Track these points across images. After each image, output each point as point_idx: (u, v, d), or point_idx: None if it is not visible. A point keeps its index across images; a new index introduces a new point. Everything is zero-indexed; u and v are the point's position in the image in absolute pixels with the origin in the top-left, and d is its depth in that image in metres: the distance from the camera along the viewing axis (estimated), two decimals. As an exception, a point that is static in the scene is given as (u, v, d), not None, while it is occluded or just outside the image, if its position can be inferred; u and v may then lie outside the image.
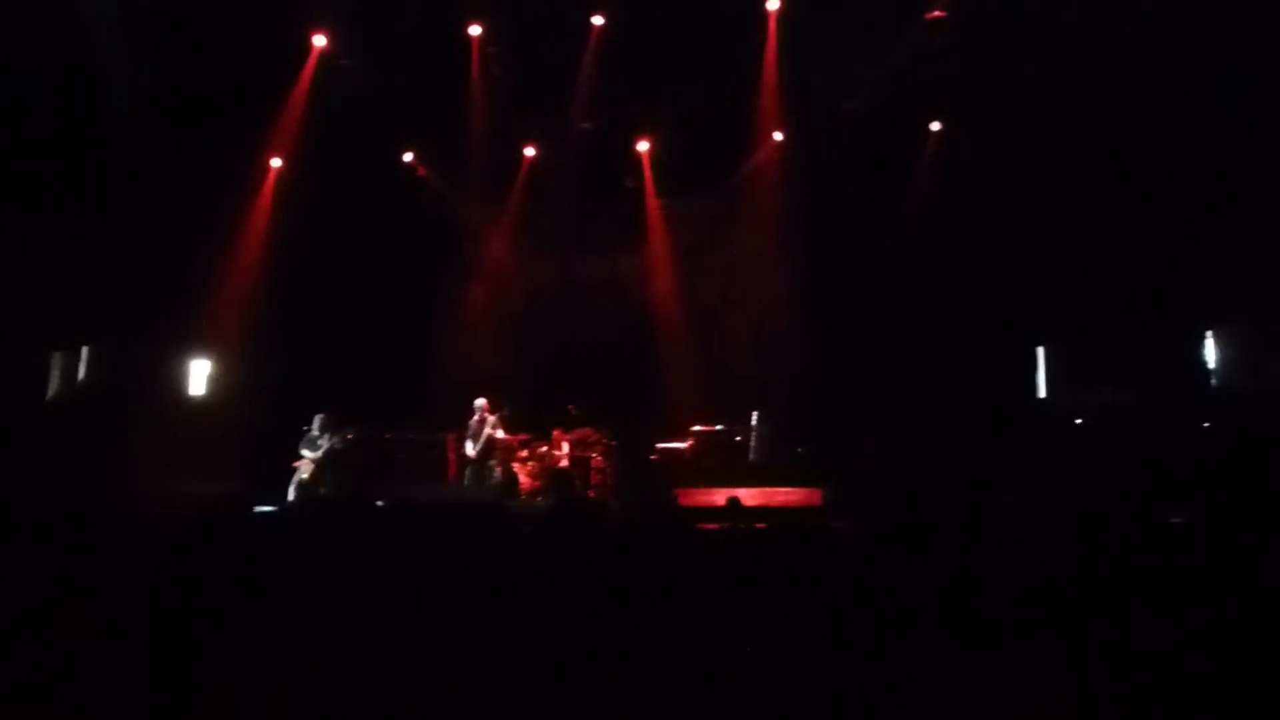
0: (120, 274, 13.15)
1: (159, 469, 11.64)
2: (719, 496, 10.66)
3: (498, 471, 13.63)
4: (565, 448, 13.90)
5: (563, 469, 13.43)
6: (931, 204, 14.16)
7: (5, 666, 3.50)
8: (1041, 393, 14.27)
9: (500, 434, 13.63)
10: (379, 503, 8.65)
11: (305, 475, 13.04)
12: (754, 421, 13.76)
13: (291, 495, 12.91)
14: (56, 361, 13.45)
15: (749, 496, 10.73)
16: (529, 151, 15.65)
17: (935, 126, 14.56)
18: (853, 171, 14.26)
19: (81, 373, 13.60)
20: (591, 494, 13.35)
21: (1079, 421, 12.94)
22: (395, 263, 15.03)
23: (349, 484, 13.00)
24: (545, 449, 13.98)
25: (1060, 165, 12.92)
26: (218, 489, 10.04)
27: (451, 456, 13.94)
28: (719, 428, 13.83)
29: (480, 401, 13.67)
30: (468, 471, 13.65)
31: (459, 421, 13.89)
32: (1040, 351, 14.35)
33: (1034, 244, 13.24)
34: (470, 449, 13.63)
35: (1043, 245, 13.20)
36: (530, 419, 14.04)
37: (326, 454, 13.10)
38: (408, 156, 15.46)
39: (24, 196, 12.08)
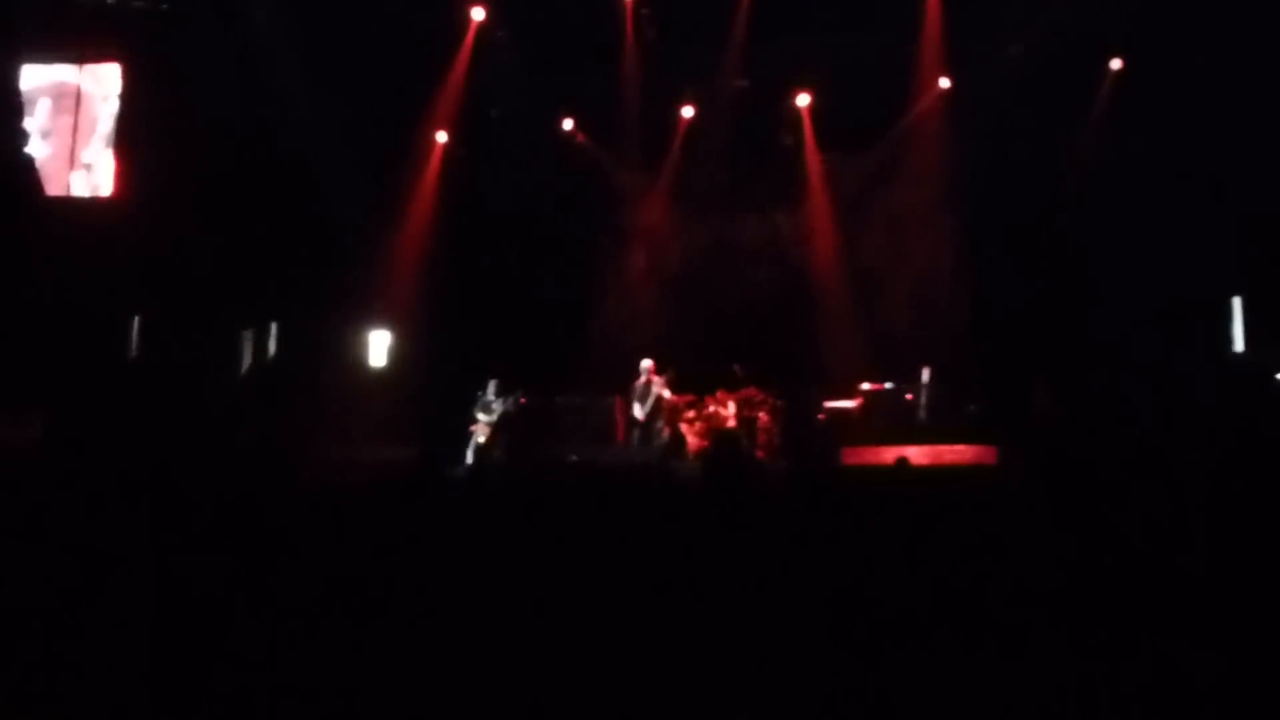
0: (303, 254, 13.82)
1: (345, 438, 12.15)
2: (888, 455, 10.59)
3: (665, 432, 13.71)
4: (731, 408, 13.95)
5: (729, 429, 13.30)
6: (1109, 150, 13.63)
7: (206, 637, 3.53)
8: (1238, 346, 13.58)
9: (667, 395, 13.70)
10: (551, 465, 9.13)
11: (481, 439, 13.37)
12: (924, 379, 13.57)
13: (469, 459, 13.25)
14: (247, 340, 14.18)
15: (919, 455, 10.64)
16: (686, 112, 15.61)
17: (1115, 65, 13.98)
18: (1022, 119, 13.89)
19: (271, 349, 14.29)
20: (760, 454, 13.39)
21: (1280, 377, 12.31)
22: (557, 230, 15.46)
23: (521, 447, 13.28)
24: (712, 409, 14.06)
25: (1254, 101, 12.26)
26: (402, 455, 9.80)
27: (619, 418, 14.08)
28: (888, 386, 13.69)
29: (646, 363, 13.76)
30: (635, 433, 13.78)
31: (626, 384, 14.03)
32: (1236, 302, 13.62)
33: (1226, 189, 12.60)
34: (638, 411, 13.71)
35: (1236, 190, 12.56)
36: (696, 380, 14.11)
37: (500, 418, 13.40)
38: (567, 124, 15.68)
39: (213, 187, 12.84)
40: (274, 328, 14.36)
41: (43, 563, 3.74)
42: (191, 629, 3.56)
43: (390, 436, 12.34)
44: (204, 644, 3.51)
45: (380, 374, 15.17)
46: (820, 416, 13.77)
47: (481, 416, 13.53)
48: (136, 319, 13.26)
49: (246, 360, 14.11)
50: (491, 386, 13.63)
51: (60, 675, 3.27)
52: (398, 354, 15.37)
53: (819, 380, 14.11)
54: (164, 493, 4.63)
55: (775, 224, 15.80)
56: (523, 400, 13.62)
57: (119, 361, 12.61)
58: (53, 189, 13.65)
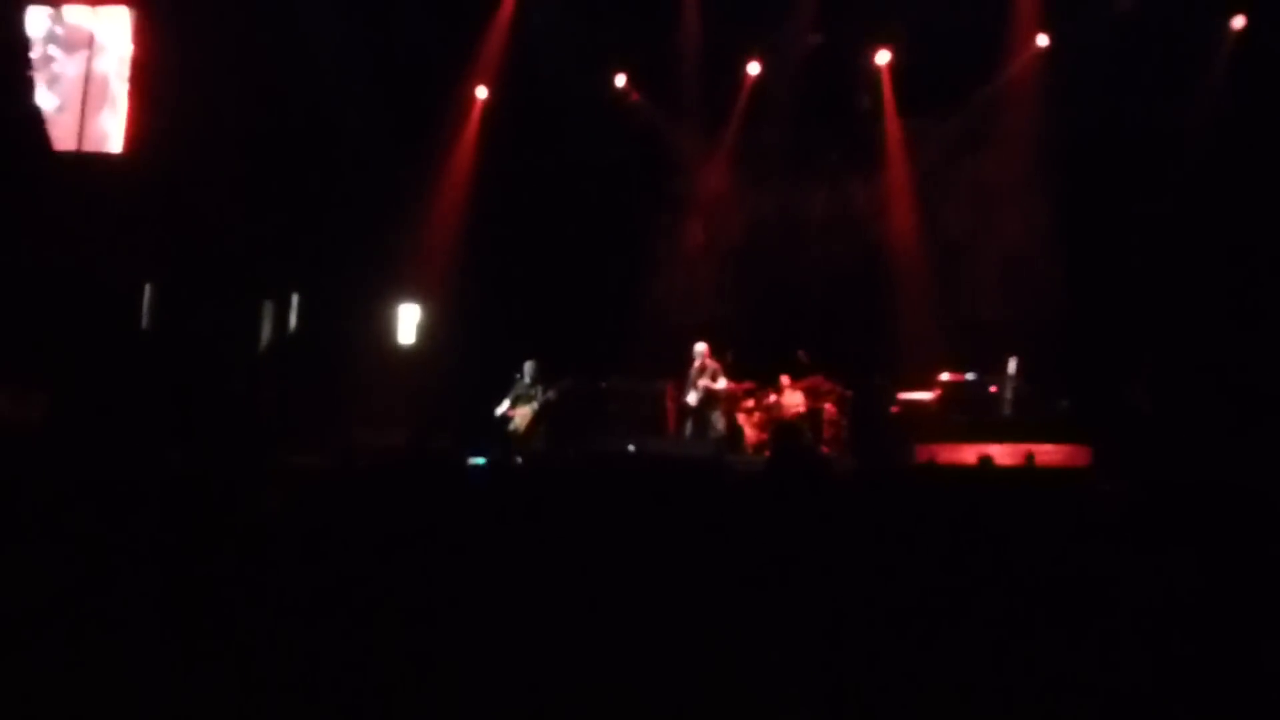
0: (329, 219, 13.93)
1: (368, 420, 12.45)
2: (969, 454, 10.56)
3: (720, 423, 13.69)
4: (795, 397, 13.95)
5: (792, 421, 13.38)
6: (1227, 118, 13.34)
7: (201, 628, 3.67)
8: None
9: (723, 382, 13.70)
10: (595, 456, 9.21)
11: (520, 426, 13.43)
12: (1010, 370, 13.40)
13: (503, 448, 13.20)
14: (267, 311, 14.36)
15: (1004, 454, 10.57)
16: (752, 69, 15.54)
17: (1237, 23, 13.77)
18: (1129, 81, 13.69)
19: (292, 322, 14.51)
20: (825, 449, 13.38)
21: None
22: (605, 198, 15.34)
23: (564, 437, 13.35)
24: (773, 399, 14.06)
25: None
26: (427, 441, 10.32)
27: (670, 406, 14.09)
28: (970, 377, 13.56)
29: (700, 347, 13.74)
30: (688, 423, 13.80)
31: (677, 369, 14.00)
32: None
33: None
34: (691, 398, 13.72)
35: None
36: (756, 366, 14.13)
37: (541, 405, 13.44)
38: (619, 81, 15.69)
39: (233, 144, 12.96)
40: (296, 299, 14.55)
41: (38, 556, 3.87)
42: (186, 620, 3.68)
43: (417, 420, 12.59)
44: (199, 636, 3.62)
45: (409, 352, 15.31)
46: (893, 409, 13.67)
47: (518, 403, 13.58)
48: (149, 287, 13.40)
49: (266, 334, 14.34)
50: (528, 369, 13.64)
51: (56, 665, 3.39)
52: (428, 330, 15.50)
53: (893, 369, 14.03)
54: (171, 484, 4.83)
55: (848, 194, 15.67)
56: (564, 386, 13.66)
57: (130, 334, 12.88)
58: (60, 144, 13.64)
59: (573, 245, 15.21)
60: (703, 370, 13.66)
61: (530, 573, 4.02)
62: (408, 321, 15.51)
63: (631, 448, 11.99)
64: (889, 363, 14.13)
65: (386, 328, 15.31)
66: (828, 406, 13.96)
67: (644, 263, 15.62)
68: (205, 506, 4.57)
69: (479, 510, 4.80)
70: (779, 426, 13.14)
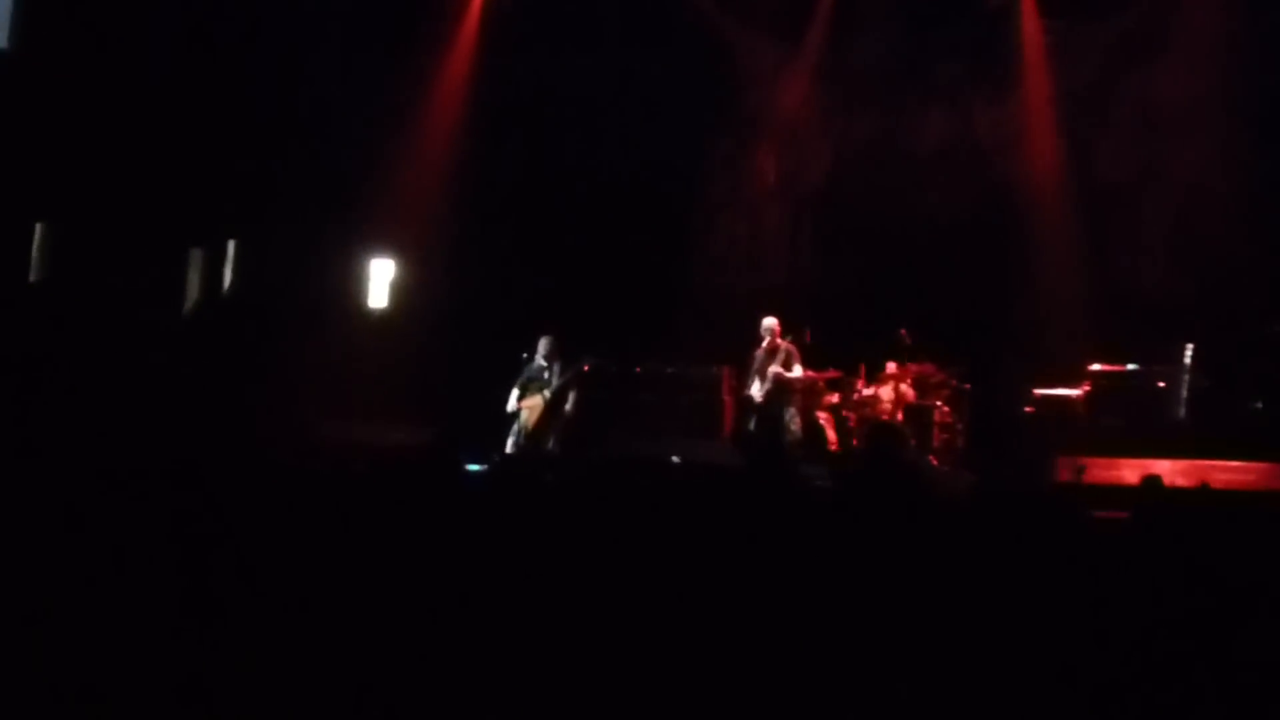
0: (278, 149, 13.83)
1: (330, 409, 12.53)
2: (1128, 471, 10.52)
3: (795, 422, 13.54)
4: (895, 390, 13.85)
5: (890, 422, 13.23)
6: None
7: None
8: None
9: (798, 369, 13.41)
10: (628, 464, 8.70)
11: (529, 420, 13.47)
12: (1185, 359, 13.22)
13: (510, 447, 13.42)
14: (195, 262, 14.23)
15: (1176, 472, 10.44)
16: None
17: None
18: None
19: (227, 277, 14.35)
20: (934, 459, 13.28)
21: None
22: (646, 118, 15.23)
23: (579, 438, 13.39)
24: (866, 392, 13.97)
25: None
26: (411, 438, 10.29)
27: (728, 399, 14.04)
28: (1130, 368, 13.43)
29: (769, 322, 13.52)
30: (751, 421, 13.64)
31: (739, 351, 13.88)
32: None
33: None
34: (755, 389, 13.55)
35: None
36: (842, 348, 13.95)
37: (556, 392, 13.41)
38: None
39: (152, 49, 13.07)
40: (232, 247, 14.38)
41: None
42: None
43: (396, 410, 12.78)
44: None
45: (383, 319, 15.19)
46: (1027, 409, 13.53)
47: (528, 391, 13.54)
48: (39, 227, 13.23)
49: (194, 291, 14.21)
50: (543, 346, 13.58)
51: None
52: (406, 292, 15.34)
53: (1027, 355, 13.92)
54: (77, 467, 5.15)
55: (969, 119, 15.43)
56: (586, 369, 13.59)
57: (13, 286, 12.82)
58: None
59: (601, 182, 15.20)
60: (772, 353, 13.46)
61: (544, 611, 4.19)
62: (380, 280, 15.35)
63: (675, 458, 11.62)
64: (1021, 347, 14.02)
65: (352, 288, 15.21)
66: (938, 404, 13.86)
67: (696, 207, 15.52)
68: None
69: (475, 531, 4.94)
70: (873, 429, 12.94)
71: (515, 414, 13.47)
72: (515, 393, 13.49)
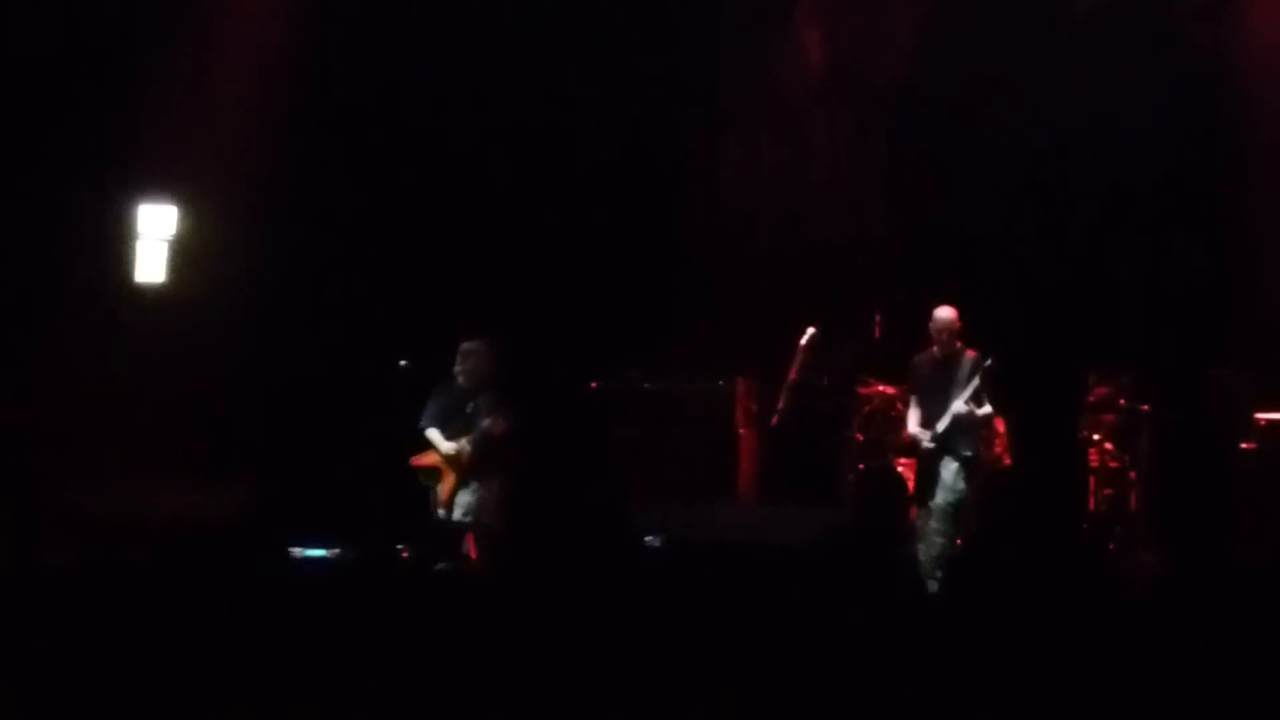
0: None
1: (74, 457, 11.05)
2: None
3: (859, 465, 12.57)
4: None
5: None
6: None
7: None
8: None
9: (987, 406, 11.31)
10: (599, 545, 6.81)
11: (435, 482, 11.35)
12: None
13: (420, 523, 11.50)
14: None
15: None
16: None
17: None
18: None
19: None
20: (1091, 527, 12.08)
21: None
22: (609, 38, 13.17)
23: (531, 502, 11.53)
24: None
25: None
26: (208, 505, 9.94)
27: (744, 432, 12.77)
28: None
29: (945, 314, 11.27)
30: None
31: (763, 352, 12.43)
32: None
33: None
34: (913, 422, 11.54)
35: None
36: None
37: (479, 437, 11.14)
38: None
39: None
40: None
41: None
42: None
43: (184, 457, 11.24)
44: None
45: (159, 301, 12.78)
46: (1243, 445, 11.71)
47: (435, 435, 11.32)
48: None
49: None
50: (467, 359, 11.22)
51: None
52: (197, 257, 12.81)
53: (1243, 363, 12.03)
54: None
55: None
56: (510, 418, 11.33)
57: None
58: None
59: (540, 87, 12.96)
60: (950, 366, 11.19)
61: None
62: (154, 239, 12.70)
63: (651, 539, 9.15)
64: (1233, 351, 12.18)
65: (109, 252, 12.79)
66: (1096, 436, 12.11)
67: (696, 125, 13.61)
68: None
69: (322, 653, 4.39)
70: (990, 479, 11.78)
71: (425, 473, 11.26)
72: (433, 433, 11.13)
